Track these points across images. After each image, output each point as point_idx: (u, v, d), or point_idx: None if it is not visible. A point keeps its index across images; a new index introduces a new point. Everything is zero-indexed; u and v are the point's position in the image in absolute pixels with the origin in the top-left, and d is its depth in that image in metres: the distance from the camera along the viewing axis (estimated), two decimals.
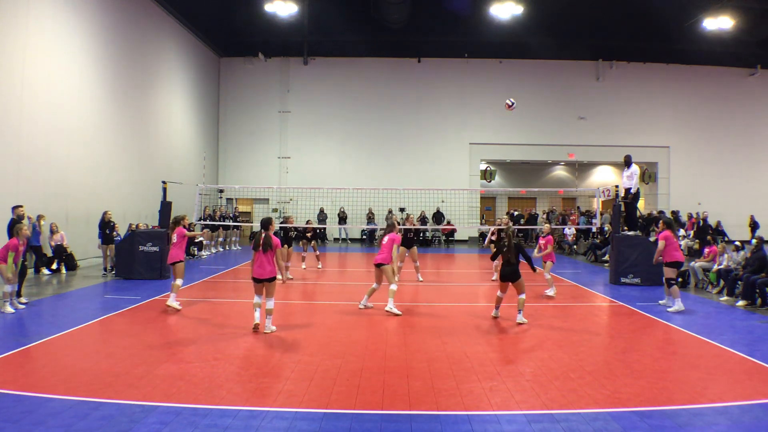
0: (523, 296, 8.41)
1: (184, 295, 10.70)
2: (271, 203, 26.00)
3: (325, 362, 6.22)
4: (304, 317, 8.85)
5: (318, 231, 14.34)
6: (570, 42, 24.90)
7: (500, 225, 12.14)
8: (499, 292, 8.75)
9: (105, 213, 13.63)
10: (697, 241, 19.12)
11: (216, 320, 8.41)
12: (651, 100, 26.41)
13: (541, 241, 11.09)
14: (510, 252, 8.45)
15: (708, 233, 17.69)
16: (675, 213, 22.93)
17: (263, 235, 7.63)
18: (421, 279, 12.73)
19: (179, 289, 9.15)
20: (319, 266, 14.80)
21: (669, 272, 9.54)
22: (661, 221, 10.48)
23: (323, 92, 26.41)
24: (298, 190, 23.72)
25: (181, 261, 9.14)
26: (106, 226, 13.43)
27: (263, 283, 7.60)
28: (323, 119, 26.40)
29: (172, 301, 8.94)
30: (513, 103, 13.24)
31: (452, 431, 4.46)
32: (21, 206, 10.94)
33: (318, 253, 14.60)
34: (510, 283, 8.49)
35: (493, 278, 12.29)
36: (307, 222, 14.75)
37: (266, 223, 7.78)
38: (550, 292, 10.79)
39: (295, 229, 13.96)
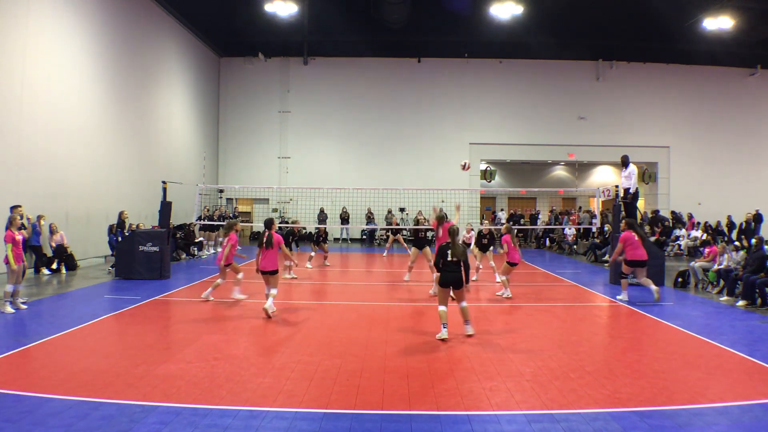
0: (466, 303, 7.46)
1: (184, 295, 10.73)
2: (271, 203, 26.00)
3: (325, 362, 6.22)
4: (304, 317, 8.84)
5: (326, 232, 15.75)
6: (570, 42, 24.89)
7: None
8: (441, 307, 7.36)
9: (122, 213, 14.39)
10: (744, 240, 18.71)
11: (216, 320, 8.41)
12: (651, 100, 26.41)
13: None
14: (456, 254, 7.30)
15: (753, 235, 17.23)
16: (675, 213, 22.93)
17: (267, 234, 8.74)
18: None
19: (241, 282, 10.08)
20: (326, 263, 15.62)
21: (626, 269, 10.58)
22: (623, 221, 11.22)
23: (323, 92, 26.41)
24: (298, 190, 23.71)
25: (231, 263, 10.09)
26: (122, 226, 13.92)
27: (267, 275, 8.68)
28: (323, 119, 26.40)
29: (238, 294, 9.99)
30: (466, 164, 12.93)
31: (452, 431, 4.46)
32: (19, 206, 10.89)
33: (327, 253, 15.65)
34: (453, 290, 7.36)
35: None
36: (319, 224, 16.08)
37: (269, 224, 8.95)
38: (504, 293, 10.61)
39: (294, 232, 14.82)
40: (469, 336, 7.38)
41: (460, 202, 12.58)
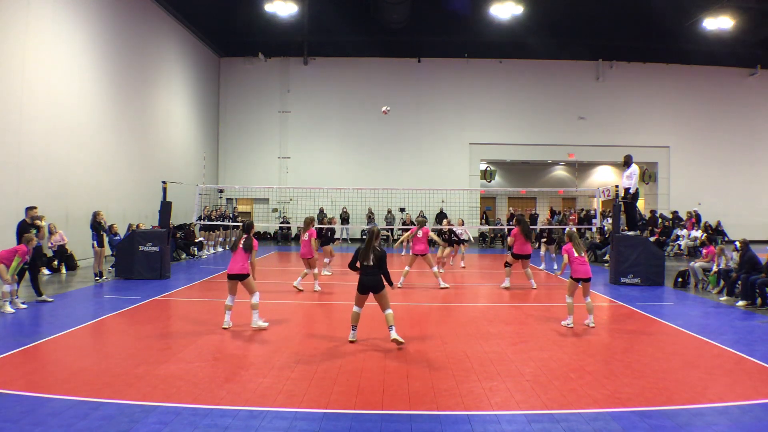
0: (391, 311, 7.07)
1: (184, 295, 10.74)
2: (271, 203, 26.01)
3: (325, 362, 6.22)
4: (305, 317, 8.85)
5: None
6: (570, 42, 24.89)
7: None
8: (356, 307, 7.16)
9: (96, 214, 12.20)
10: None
11: (216, 320, 8.39)
12: (651, 100, 26.41)
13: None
14: (368, 256, 6.99)
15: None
16: (675, 213, 22.93)
17: (244, 237, 7.99)
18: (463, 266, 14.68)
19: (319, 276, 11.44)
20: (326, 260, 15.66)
21: (510, 260, 11.89)
22: (515, 218, 12.42)
23: (323, 92, 26.41)
24: (298, 190, 23.73)
25: (313, 257, 11.18)
26: (99, 228, 12.17)
27: (236, 280, 7.83)
28: (323, 119, 26.40)
29: (317, 287, 11.21)
30: (387, 109, 15.47)
31: (452, 431, 4.46)
32: (35, 207, 10.35)
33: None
34: (373, 295, 7.06)
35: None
36: (332, 220, 15.95)
37: (249, 227, 8.27)
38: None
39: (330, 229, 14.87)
40: (398, 342, 6.85)
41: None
